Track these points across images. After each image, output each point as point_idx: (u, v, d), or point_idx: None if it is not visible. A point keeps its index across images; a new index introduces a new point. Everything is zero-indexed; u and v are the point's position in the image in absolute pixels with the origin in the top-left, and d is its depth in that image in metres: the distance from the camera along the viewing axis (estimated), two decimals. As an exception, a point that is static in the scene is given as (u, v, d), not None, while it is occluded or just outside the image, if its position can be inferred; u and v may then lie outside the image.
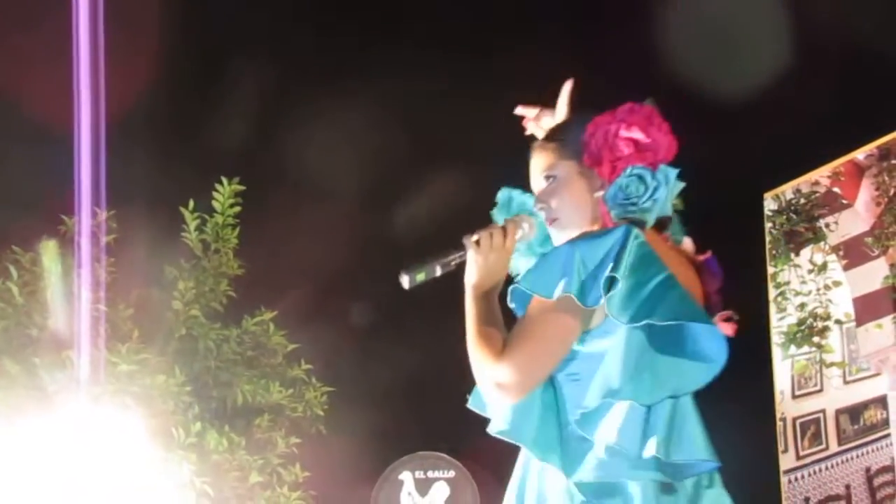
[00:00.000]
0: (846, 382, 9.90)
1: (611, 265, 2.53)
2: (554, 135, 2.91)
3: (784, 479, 10.42)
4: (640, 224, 2.68)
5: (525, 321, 2.62)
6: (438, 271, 2.83)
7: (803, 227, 10.18)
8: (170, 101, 9.50)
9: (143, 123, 9.19)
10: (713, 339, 2.58)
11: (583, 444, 2.59)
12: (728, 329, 2.68)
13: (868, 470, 9.69)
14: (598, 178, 2.76)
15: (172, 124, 9.70)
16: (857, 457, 9.78)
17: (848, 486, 9.83)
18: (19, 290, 8.16)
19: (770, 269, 10.49)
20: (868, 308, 9.63)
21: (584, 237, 2.64)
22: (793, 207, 10.26)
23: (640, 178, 2.68)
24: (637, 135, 2.69)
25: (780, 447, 10.48)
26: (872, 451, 9.67)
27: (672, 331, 2.56)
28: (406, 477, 8.56)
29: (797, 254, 10.25)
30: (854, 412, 9.83)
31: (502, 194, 3.02)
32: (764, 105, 9.60)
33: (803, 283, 10.17)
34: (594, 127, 2.77)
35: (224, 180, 8.96)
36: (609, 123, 2.72)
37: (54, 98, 7.97)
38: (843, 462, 9.89)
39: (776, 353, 10.38)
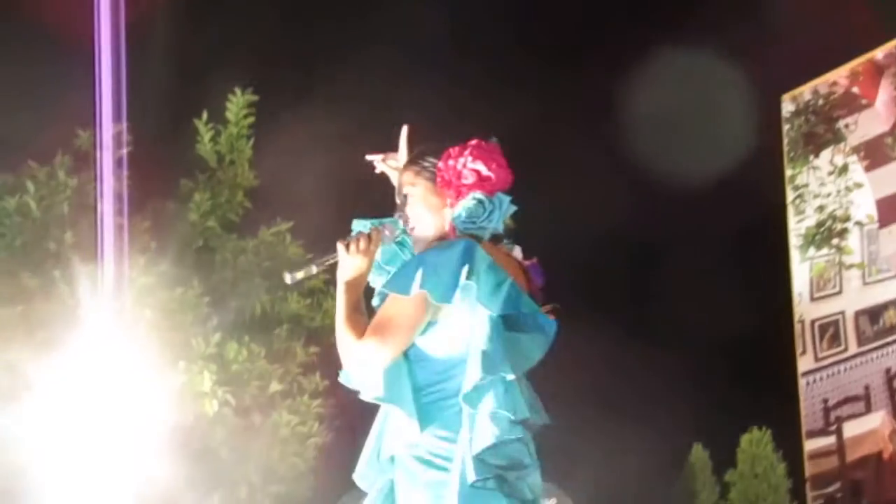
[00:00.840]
0: (866, 284, 9.89)
1: (464, 272, 3.22)
2: (415, 159, 3.55)
3: (802, 382, 10.46)
4: (478, 238, 3.38)
5: (384, 311, 3.33)
6: (314, 270, 3.48)
7: (822, 128, 10.11)
8: (184, 12, 9.42)
9: (157, 36, 9.12)
10: (546, 322, 3.31)
11: (440, 407, 3.30)
12: (551, 317, 3.37)
13: (888, 371, 9.72)
14: (447, 198, 3.43)
15: (186, 36, 9.62)
16: (877, 358, 9.80)
17: (867, 387, 9.86)
18: (37, 204, 8.16)
19: (788, 172, 10.44)
20: (892, 209, 9.60)
21: (433, 249, 3.34)
22: (811, 109, 10.18)
23: (480, 202, 3.39)
24: (480, 167, 3.40)
25: (799, 349, 10.50)
26: (892, 351, 9.69)
27: (526, 317, 3.28)
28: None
29: (816, 156, 10.18)
30: (874, 313, 9.83)
31: (355, 224, 3.58)
32: (780, 5, 9.48)
33: (822, 185, 10.13)
34: (447, 156, 3.44)
35: (237, 91, 8.92)
36: (459, 155, 3.42)
37: (73, 11, 7.91)
38: (862, 363, 9.91)
39: (794, 255, 10.37)
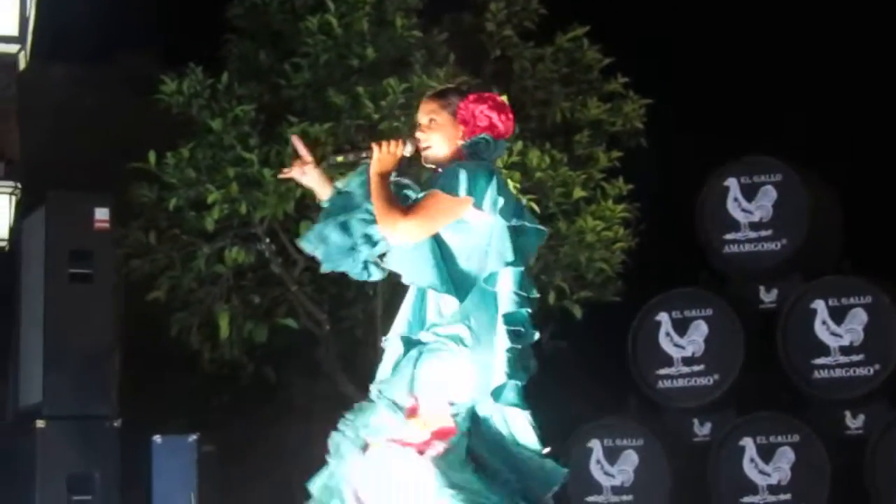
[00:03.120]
0: None
1: (494, 188, 4.10)
2: (442, 93, 4.37)
3: None
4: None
5: (428, 200, 4.09)
6: (352, 158, 4.27)
7: None
8: None
9: None
10: (540, 229, 4.32)
11: (468, 282, 4.13)
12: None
13: None
14: (461, 132, 4.23)
15: None
16: None
17: None
18: (337, 21, 8.30)
19: None
20: None
21: (467, 165, 4.14)
22: None
23: (487, 142, 4.23)
24: (493, 116, 4.24)
25: None
26: None
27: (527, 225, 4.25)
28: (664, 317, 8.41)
29: None
30: None
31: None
32: None
33: None
34: (469, 100, 4.25)
35: None
36: (478, 101, 4.24)
37: None
38: None
39: None
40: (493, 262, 4.12)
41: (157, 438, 7.81)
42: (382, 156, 4.18)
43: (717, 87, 9.70)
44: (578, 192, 8.45)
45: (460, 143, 4.23)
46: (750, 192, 8.46)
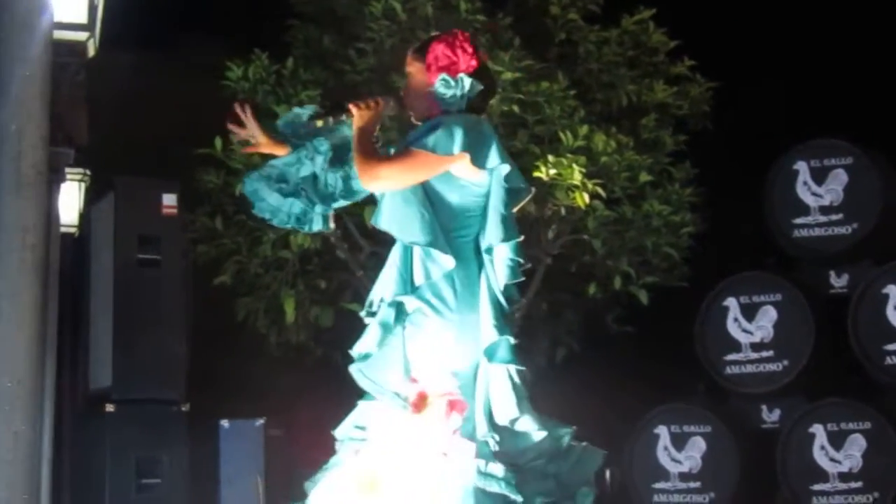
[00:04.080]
0: None
1: (496, 149, 4.09)
2: (418, 47, 4.29)
3: None
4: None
5: (409, 155, 4.05)
6: (331, 121, 4.29)
7: None
8: None
9: None
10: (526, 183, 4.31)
11: (460, 242, 4.09)
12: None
13: None
14: (429, 78, 4.18)
15: None
16: None
17: None
18: (401, 6, 8.29)
19: None
20: None
21: (469, 119, 4.11)
22: None
23: (446, 81, 4.15)
24: (449, 53, 4.16)
25: None
26: None
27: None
28: (731, 302, 8.34)
29: None
30: None
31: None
32: None
33: None
34: (432, 45, 4.20)
35: None
36: (438, 43, 4.19)
37: None
38: None
39: None
40: (494, 234, 4.07)
41: (225, 423, 7.87)
42: (363, 111, 4.16)
43: (784, 69, 9.59)
44: (644, 177, 8.38)
45: (430, 90, 4.18)
46: (820, 176, 8.35)
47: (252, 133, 4.40)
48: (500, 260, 4.08)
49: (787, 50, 9.56)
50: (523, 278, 4.17)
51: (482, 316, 4.03)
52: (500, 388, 4.01)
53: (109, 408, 7.79)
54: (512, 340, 4.03)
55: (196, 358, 8.37)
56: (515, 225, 4.16)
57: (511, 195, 4.16)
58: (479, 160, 4.05)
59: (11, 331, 2.93)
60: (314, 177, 4.32)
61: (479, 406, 4.00)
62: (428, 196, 4.08)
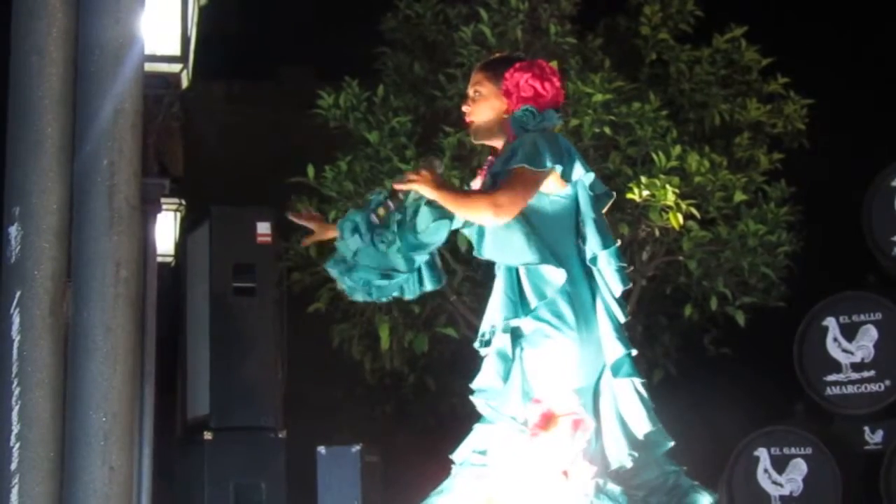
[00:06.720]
0: None
1: (580, 162, 4.09)
2: (488, 65, 4.26)
3: None
4: None
5: (515, 175, 3.98)
6: (392, 207, 4.20)
7: None
8: None
9: None
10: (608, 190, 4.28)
11: (565, 254, 4.07)
12: None
13: None
14: (506, 104, 4.14)
15: None
16: None
17: None
18: (491, 31, 8.30)
19: None
20: None
21: (545, 135, 4.07)
22: None
23: (532, 113, 4.08)
24: (537, 84, 4.10)
25: None
26: None
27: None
28: (831, 322, 8.17)
29: None
30: None
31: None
32: None
33: None
34: (513, 70, 4.13)
35: None
36: (522, 71, 4.11)
37: None
38: None
39: None
40: (595, 242, 4.05)
41: (322, 449, 7.89)
42: (422, 180, 4.01)
43: (879, 86, 9.44)
44: (739, 196, 8.28)
45: (506, 116, 4.13)
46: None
47: (311, 226, 4.47)
48: (608, 268, 4.05)
49: (881, 64, 9.41)
50: (631, 284, 4.18)
51: (602, 330, 3.99)
52: (629, 402, 3.98)
53: (207, 436, 7.87)
54: (634, 353, 3.99)
55: (292, 385, 8.43)
56: (610, 229, 4.15)
57: (599, 202, 4.14)
58: (567, 173, 4.04)
59: (106, 366, 2.95)
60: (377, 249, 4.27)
61: (609, 423, 3.97)
62: (526, 216, 4.02)
